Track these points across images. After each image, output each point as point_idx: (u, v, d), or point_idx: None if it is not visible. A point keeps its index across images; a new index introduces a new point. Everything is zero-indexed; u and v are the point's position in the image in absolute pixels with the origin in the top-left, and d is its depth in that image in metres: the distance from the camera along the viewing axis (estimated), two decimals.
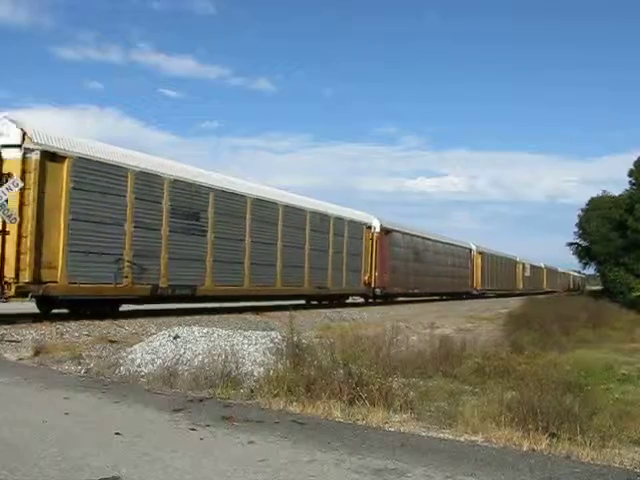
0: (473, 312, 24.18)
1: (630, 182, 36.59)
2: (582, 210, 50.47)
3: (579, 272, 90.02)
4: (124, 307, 14.98)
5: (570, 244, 55.82)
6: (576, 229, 52.07)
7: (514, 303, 30.17)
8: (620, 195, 39.34)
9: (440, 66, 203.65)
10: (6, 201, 11.38)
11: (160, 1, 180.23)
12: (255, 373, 6.79)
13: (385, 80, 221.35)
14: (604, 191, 47.44)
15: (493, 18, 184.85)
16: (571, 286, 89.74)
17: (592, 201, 48.59)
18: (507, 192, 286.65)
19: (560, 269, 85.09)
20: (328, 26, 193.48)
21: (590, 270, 60.51)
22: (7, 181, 11.47)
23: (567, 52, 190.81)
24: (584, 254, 52.88)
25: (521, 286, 57.98)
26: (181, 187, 15.10)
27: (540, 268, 70.67)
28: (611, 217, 38.34)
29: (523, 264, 60.10)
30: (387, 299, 28.66)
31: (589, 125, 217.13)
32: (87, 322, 12.06)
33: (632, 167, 36.16)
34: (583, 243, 52.01)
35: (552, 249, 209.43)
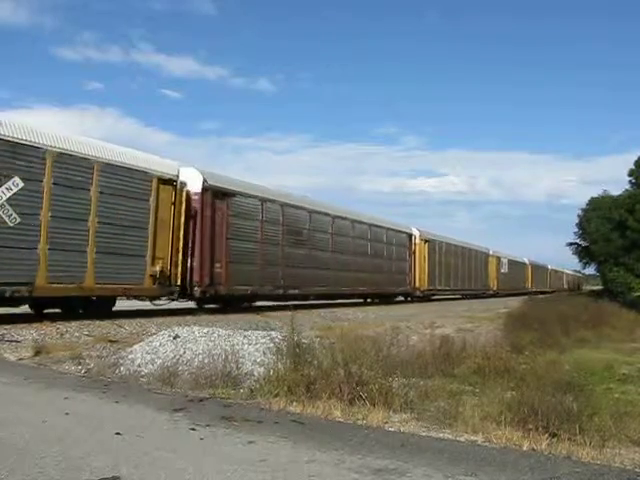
0: None
1: (630, 182, 36.68)
2: (582, 210, 50.55)
3: (578, 271, 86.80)
4: (124, 307, 14.98)
5: (570, 244, 55.87)
6: (576, 229, 52.16)
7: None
8: (620, 195, 39.36)
9: (440, 66, 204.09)
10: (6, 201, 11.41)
11: (160, 2, 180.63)
12: (255, 373, 6.79)
13: (385, 80, 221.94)
14: (604, 191, 47.47)
15: (493, 18, 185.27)
16: (565, 286, 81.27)
17: (592, 201, 48.61)
18: (507, 192, 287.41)
19: (551, 266, 75.27)
20: (328, 26, 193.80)
21: (590, 270, 60.23)
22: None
23: (567, 52, 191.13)
24: (584, 254, 52.89)
25: (495, 285, 48.29)
26: None
27: (522, 264, 59.93)
28: (611, 217, 38.36)
29: (498, 258, 49.60)
30: (231, 304, 17.59)
31: (589, 125, 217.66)
32: (87, 322, 12.06)
33: (632, 167, 36.22)
34: (583, 243, 52.04)
35: (552, 249, 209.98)
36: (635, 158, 36.15)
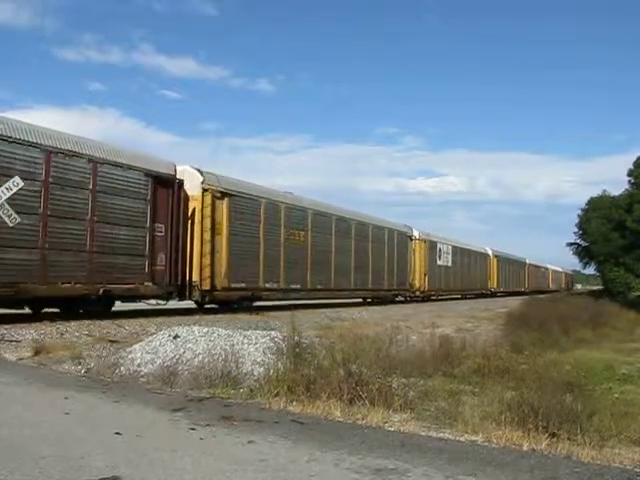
0: None
1: (629, 182, 36.70)
2: (582, 210, 50.60)
3: (577, 271, 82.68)
4: (124, 307, 14.97)
5: (570, 244, 55.86)
6: (576, 229, 52.17)
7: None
8: (620, 195, 39.40)
9: (440, 66, 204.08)
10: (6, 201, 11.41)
11: (161, 3, 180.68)
12: (255, 373, 6.79)
13: (385, 80, 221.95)
14: (604, 191, 47.55)
15: (493, 18, 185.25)
16: (550, 285, 68.91)
17: (591, 201, 48.67)
18: (506, 192, 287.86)
19: (530, 260, 60.69)
20: (328, 27, 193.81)
21: (590, 270, 59.98)
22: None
23: (567, 52, 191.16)
24: (584, 254, 52.92)
25: (423, 284, 31.97)
26: None
27: (481, 255, 43.89)
28: (611, 217, 38.39)
29: (431, 243, 33.43)
30: None
31: (589, 125, 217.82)
32: (87, 322, 12.06)
33: (631, 167, 36.25)
34: (583, 243, 52.06)
35: (552, 249, 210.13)
36: (635, 158, 36.24)
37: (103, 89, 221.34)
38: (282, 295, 20.46)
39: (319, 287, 22.51)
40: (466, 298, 39.61)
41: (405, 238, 30.77)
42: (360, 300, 26.72)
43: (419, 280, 31.80)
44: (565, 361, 9.84)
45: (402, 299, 30.78)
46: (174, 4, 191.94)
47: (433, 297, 33.98)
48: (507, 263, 51.11)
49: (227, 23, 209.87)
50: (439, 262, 34.78)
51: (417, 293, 31.87)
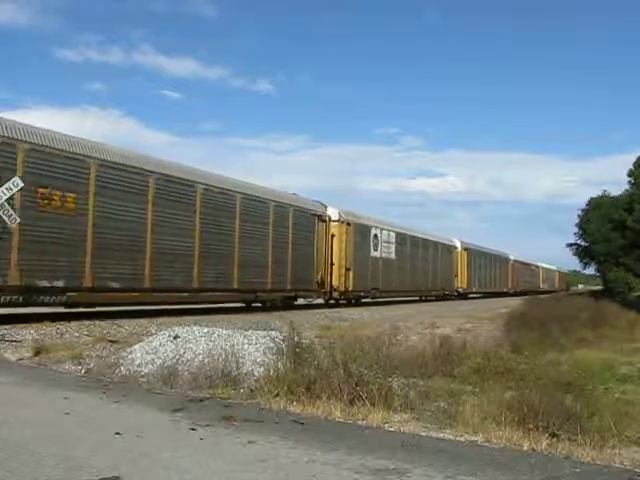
0: None
1: (629, 182, 36.75)
2: (582, 210, 50.70)
3: (574, 270, 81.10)
4: (124, 307, 14.96)
5: (570, 245, 55.90)
6: (576, 229, 52.24)
7: None
8: (620, 195, 39.44)
9: (440, 66, 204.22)
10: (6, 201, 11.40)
11: (161, 3, 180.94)
12: (255, 373, 6.79)
13: (385, 80, 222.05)
14: (604, 191, 47.65)
15: (493, 18, 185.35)
16: (541, 286, 62.14)
17: (592, 201, 48.76)
18: (507, 192, 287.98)
19: (515, 257, 52.23)
20: (328, 27, 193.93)
21: (590, 270, 59.97)
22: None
23: (567, 52, 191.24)
24: (584, 254, 52.98)
25: (347, 282, 23.30)
26: None
27: (445, 246, 35.26)
28: (611, 217, 38.44)
29: (357, 225, 24.66)
30: None
31: (589, 125, 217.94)
32: (87, 322, 12.07)
33: (632, 167, 36.29)
34: (583, 243, 52.13)
35: (553, 249, 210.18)
36: (635, 158, 36.27)
37: (103, 89, 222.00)
38: (19, 298, 12.00)
39: (114, 286, 13.89)
40: (425, 300, 32.53)
41: (311, 218, 21.76)
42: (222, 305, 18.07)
43: (337, 277, 22.96)
44: (565, 361, 9.83)
45: (307, 302, 22.23)
46: (174, 4, 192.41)
47: (365, 299, 25.57)
48: (482, 258, 41.61)
49: (227, 23, 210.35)
50: (374, 253, 26.06)
51: (334, 294, 23.08)
